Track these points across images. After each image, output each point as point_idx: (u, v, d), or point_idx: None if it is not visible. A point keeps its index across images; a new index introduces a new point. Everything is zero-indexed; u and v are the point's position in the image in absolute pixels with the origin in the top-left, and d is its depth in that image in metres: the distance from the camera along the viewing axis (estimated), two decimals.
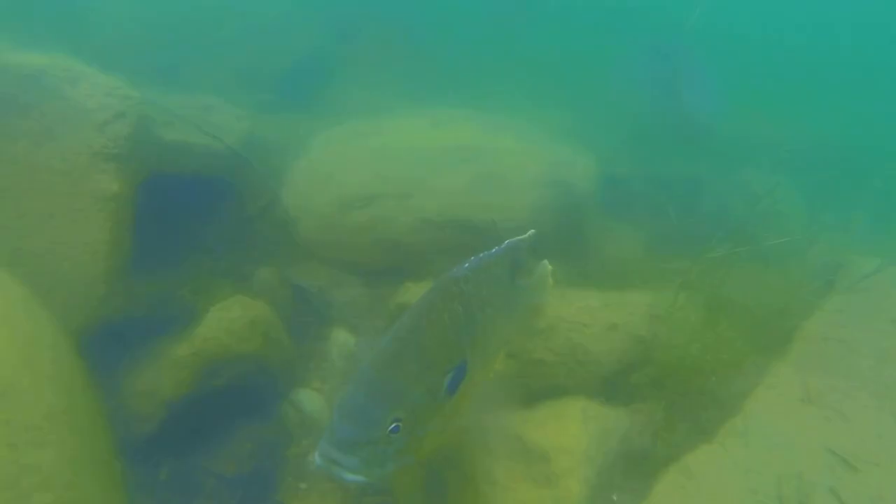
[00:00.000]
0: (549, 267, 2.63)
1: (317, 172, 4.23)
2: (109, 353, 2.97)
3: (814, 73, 9.26)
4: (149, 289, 3.30)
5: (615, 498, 2.52)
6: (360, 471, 1.80)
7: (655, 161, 5.50)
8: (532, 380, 2.92)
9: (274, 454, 3.11)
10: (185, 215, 3.78)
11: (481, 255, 2.28)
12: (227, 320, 3.04)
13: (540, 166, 4.34)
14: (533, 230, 2.51)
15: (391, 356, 1.96)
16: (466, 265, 2.19)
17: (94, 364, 2.65)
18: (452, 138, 4.53)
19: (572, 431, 2.52)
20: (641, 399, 2.97)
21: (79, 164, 3.02)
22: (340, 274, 3.96)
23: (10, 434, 1.89)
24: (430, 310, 2.05)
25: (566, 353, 2.93)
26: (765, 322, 3.38)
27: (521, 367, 2.94)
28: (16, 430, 1.92)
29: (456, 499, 2.49)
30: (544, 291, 2.64)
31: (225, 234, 3.94)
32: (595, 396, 2.85)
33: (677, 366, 2.99)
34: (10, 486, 1.80)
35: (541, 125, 5.24)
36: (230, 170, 3.93)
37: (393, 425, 1.80)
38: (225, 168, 3.89)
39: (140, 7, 5.81)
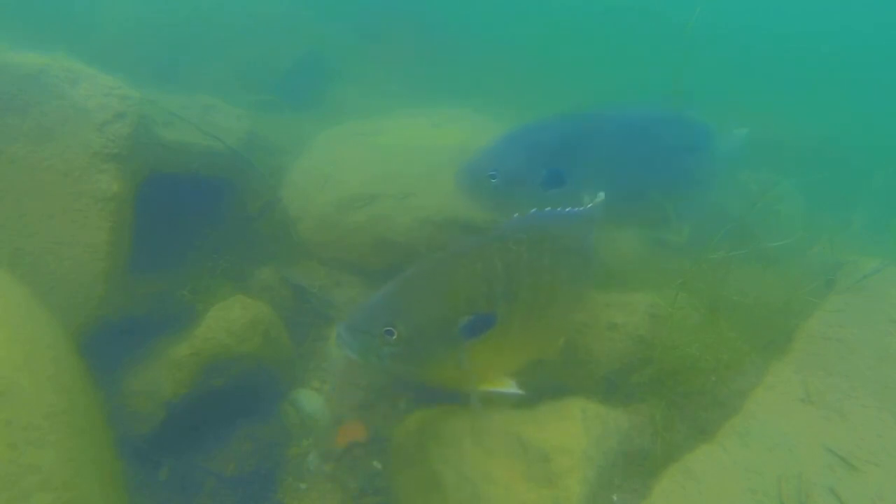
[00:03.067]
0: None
1: (317, 172, 4.23)
2: (109, 353, 2.97)
3: (814, 74, 9.26)
4: (149, 289, 3.31)
5: (615, 498, 2.52)
6: (357, 353, 2.29)
7: None
8: (532, 380, 2.92)
9: (274, 454, 3.11)
10: (184, 215, 3.79)
11: (548, 216, 2.33)
12: (227, 320, 3.04)
13: None
14: (602, 193, 2.50)
15: (409, 281, 2.31)
16: (525, 223, 2.30)
17: (94, 364, 2.65)
18: (452, 137, 4.53)
19: (572, 431, 2.52)
20: (641, 399, 2.97)
21: (79, 164, 3.02)
22: (340, 274, 3.96)
23: (10, 434, 1.89)
24: (463, 256, 2.29)
25: (566, 353, 2.93)
26: (765, 322, 3.37)
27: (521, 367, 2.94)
28: (16, 430, 1.91)
29: (456, 499, 2.49)
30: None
31: (225, 234, 3.94)
32: (595, 396, 2.86)
33: (677, 366, 2.99)
34: (10, 486, 1.80)
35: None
36: (230, 170, 3.93)
37: (387, 329, 2.21)
38: (225, 168, 3.89)
39: (140, 7, 5.80)
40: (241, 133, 4.18)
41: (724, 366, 3.04)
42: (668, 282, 3.40)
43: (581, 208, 2.44)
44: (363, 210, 3.95)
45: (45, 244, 2.97)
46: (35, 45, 3.27)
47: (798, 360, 3.03)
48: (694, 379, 2.98)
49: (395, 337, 2.22)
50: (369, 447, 3.20)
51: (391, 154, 4.34)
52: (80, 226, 2.98)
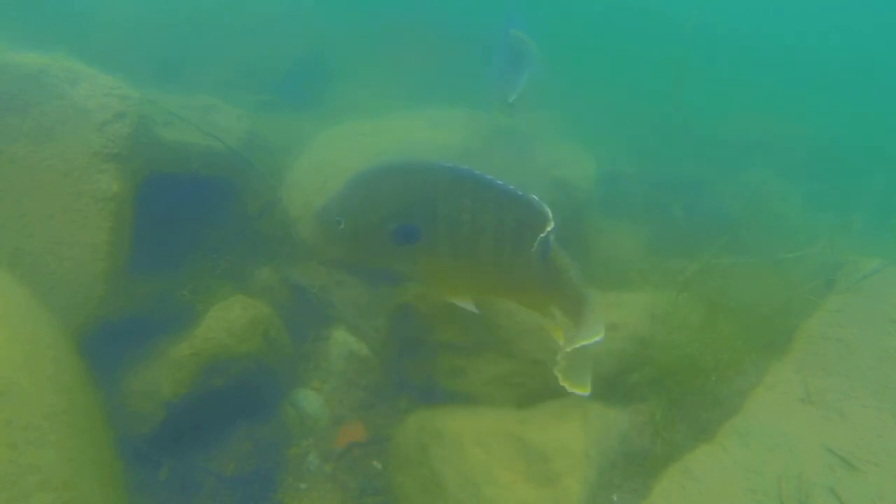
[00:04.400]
0: (602, 332, 2.55)
1: (317, 172, 4.23)
2: (109, 353, 2.97)
3: (814, 74, 9.26)
4: (149, 289, 3.30)
5: (615, 498, 2.52)
6: (317, 233, 3.00)
7: (655, 161, 5.50)
8: (532, 380, 2.92)
9: (274, 454, 3.11)
10: (184, 215, 3.78)
11: (486, 176, 2.53)
12: (227, 320, 3.04)
13: (539, 165, 4.34)
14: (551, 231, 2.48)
15: (356, 184, 2.72)
16: (452, 164, 2.55)
17: (94, 364, 2.65)
18: (451, 138, 4.53)
19: (572, 431, 2.52)
20: (641, 399, 2.98)
21: (79, 164, 3.01)
22: (340, 274, 3.96)
23: (10, 434, 1.89)
24: (393, 171, 2.70)
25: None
26: (765, 322, 3.38)
27: (522, 367, 2.94)
28: (16, 430, 1.91)
29: (456, 499, 2.49)
30: (586, 336, 2.54)
31: (225, 234, 3.94)
32: (595, 396, 2.85)
33: (677, 366, 3.00)
34: (10, 486, 1.80)
35: (540, 123, 5.25)
36: (230, 170, 3.93)
37: (337, 218, 2.70)
38: (225, 168, 3.89)
39: (140, 7, 5.80)
40: (241, 133, 4.18)
41: (723, 366, 3.04)
42: (668, 282, 3.41)
43: (527, 195, 2.51)
44: None
45: (45, 244, 2.97)
46: (35, 45, 3.27)
47: (798, 360, 3.03)
48: (694, 379, 2.99)
49: (342, 226, 2.70)
50: (369, 447, 3.20)
51: (391, 154, 4.34)
52: (80, 226, 2.98)
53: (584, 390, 2.56)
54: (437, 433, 2.71)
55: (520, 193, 2.51)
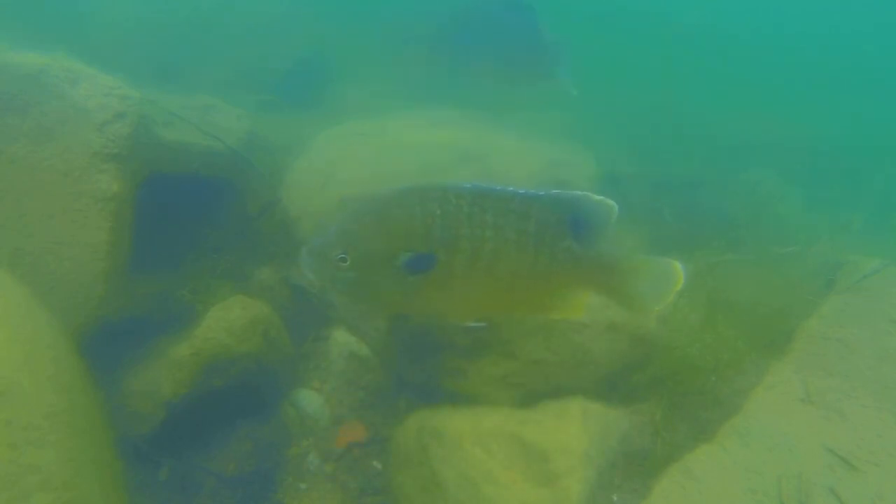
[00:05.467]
0: (679, 271, 2.45)
1: (317, 172, 4.23)
2: (109, 353, 2.97)
3: (813, 74, 9.26)
4: (149, 289, 3.30)
5: (615, 498, 2.52)
6: (315, 273, 2.49)
7: (655, 161, 5.50)
8: (532, 380, 2.92)
9: (274, 454, 3.11)
10: (185, 215, 3.78)
11: (504, 188, 2.46)
12: (227, 320, 3.05)
13: (538, 165, 4.34)
14: (614, 204, 2.48)
15: (363, 212, 2.50)
16: (472, 184, 2.44)
17: (94, 364, 2.65)
18: (452, 138, 4.53)
19: (572, 431, 2.52)
20: (641, 399, 2.97)
21: (78, 164, 3.01)
22: None
23: (10, 434, 1.89)
24: (404, 196, 2.46)
25: (566, 353, 2.92)
26: (765, 322, 3.37)
27: (522, 367, 2.94)
28: (16, 430, 1.91)
29: (456, 499, 2.49)
30: (662, 293, 2.48)
31: (225, 234, 3.94)
32: (595, 396, 2.85)
33: (677, 366, 2.99)
34: (10, 486, 1.80)
35: (540, 125, 5.25)
36: (230, 170, 3.93)
37: (340, 254, 2.41)
38: (225, 168, 3.89)
39: (140, 7, 5.80)
40: (241, 133, 4.18)
41: (724, 366, 3.04)
42: None
43: (563, 192, 2.50)
44: None
45: (45, 244, 2.97)
46: (35, 45, 3.27)
47: (798, 360, 3.03)
48: (694, 379, 2.99)
49: (347, 263, 2.42)
50: (369, 447, 3.20)
51: (391, 154, 4.34)
52: (80, 226, 2.98)
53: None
54: (437, 433, 2.71)
55: (542, 194, 2.47)
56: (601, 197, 2.49)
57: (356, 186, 4.02)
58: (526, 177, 4.16)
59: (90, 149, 3.03)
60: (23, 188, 3.02)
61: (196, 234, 3.83)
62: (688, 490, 2.39)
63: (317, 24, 6.82)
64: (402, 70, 6.00)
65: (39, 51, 3.23)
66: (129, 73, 3.42)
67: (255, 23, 6.37)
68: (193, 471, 2.97)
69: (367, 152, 4.40)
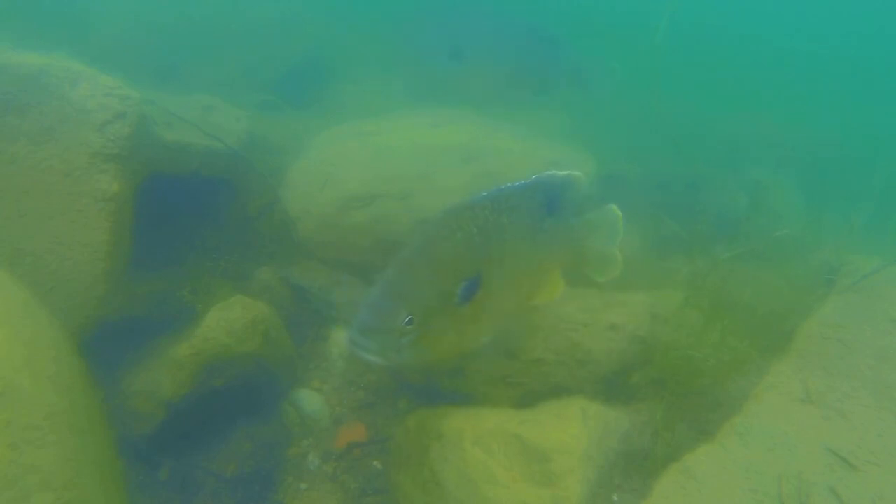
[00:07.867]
0: (618, 213, 2.68)
1: (317, 172, 4.23)
2: (109, 353, 2.97)
3: (813, 74, 9.26)
4: (149, 289, 3.31)
5: (615, 498, 2.52)
6: (378, 353, 2.23)
7: (656, 161, 5.50)
8: (532, 380, 2.92)
9: (274, 454, 3.11)
10: (185, 215, 3.79)
11: (503, 186, 2.49)
12: (227, 320, 3.04)
13: (539, 166, 4.34)
14: (579, 173, 2.57)
15: (407, 264, 2.34)
16: (485, 194, 2.44)
17: (94, 364, 2.65)
18: (452, 138, 4.53)
19: (572, 431, 2.52)
20: (641, 399, 2.98)
21: (78, 164, 3.02)
22: (340, 274, 3.96)
23: (10, 434, 1.89)
24: (443, 227, 2.37)
25: (566, 353, 2.93)
26: (765, 322, 3.38)
27: (522, 367, 2.94)
28: (16, 430, 1.92)
29: (456, 499, 2.49)
30: (612, 237, 2.71)
31: (225, 234, 3.94)
32: (595, 396, 2.86)
33: (677, 366, 2.99)
34: (10, 486, 1.80)
35: (539, 125, 5.25)
36: (230, 170, 3.93)
37: (407, 318, 2.20)
38: (225, 168, 3.89)
39: (140, 7, 5.81)
40: (241, 133, 4.18)
41: (724, 366, 3.04)
42: (668, 281, 3.41)
43: (539, 175, 2.59)
44: (363, 210, 3.95)
45: (45, 244, 2.97)
46: (35, 45, 3.27)
47: (798, 361, 3.03)
48: (694, 379, 2.99)
49: (414, 325, 2.22)
50: (369, 447, 3.20)
51: (391, 154, 4.34)
52: (80, 226, 2.98)
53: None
54: (437, 433, 2.71)
55: (524, 183, 2.53)
56: (566, 171, 2.57)
57: (356, 187, 4.03)
58: (525, 177, 4.16)
59: (90, 149, 3.03)
60: (23, 188, 3.02)
61: (196, 234, 3.83)
62: (688, 490, 2.39)
63: (317, 24, 6.82)
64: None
65: (40, 51, 3.23)
66: (129, 73, 3.42)
67: (256, 23, 6.37)
68: (193, 471, 2.97)
69: (366, 152, 4.40)
